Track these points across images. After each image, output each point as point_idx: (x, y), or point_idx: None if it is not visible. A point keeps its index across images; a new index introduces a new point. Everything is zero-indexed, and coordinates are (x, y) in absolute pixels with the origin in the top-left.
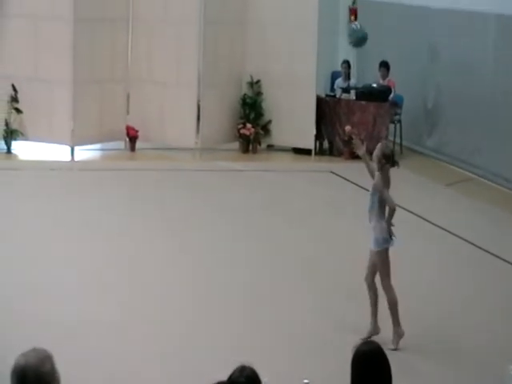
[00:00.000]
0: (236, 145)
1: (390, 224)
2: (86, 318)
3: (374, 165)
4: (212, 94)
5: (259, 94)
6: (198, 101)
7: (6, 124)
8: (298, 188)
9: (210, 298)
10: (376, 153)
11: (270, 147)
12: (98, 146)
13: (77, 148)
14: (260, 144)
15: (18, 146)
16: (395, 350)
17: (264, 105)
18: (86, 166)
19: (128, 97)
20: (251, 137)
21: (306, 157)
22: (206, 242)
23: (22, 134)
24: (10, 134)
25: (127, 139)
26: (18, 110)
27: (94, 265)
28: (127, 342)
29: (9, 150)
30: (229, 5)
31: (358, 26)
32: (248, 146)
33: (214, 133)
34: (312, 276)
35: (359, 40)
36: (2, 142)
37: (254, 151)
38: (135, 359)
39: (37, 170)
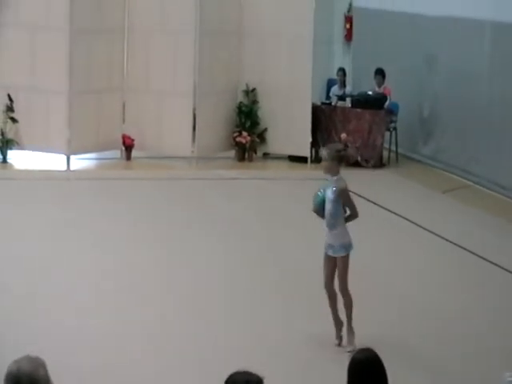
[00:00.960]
0: (232, 153)
1: None
2: (86, 325)
3: (330, 168)
4: (208, 103)
5: (255, 102)
6: (194, 109)
7: (2, 133)
8: (295, 196)
9: (209, 305)
10: (331, 154)
11: (266, 155)
12: (94, 155)
13: (73, 157)
14: (256, 152)
15: (13, 156)
16: (352, 351)
17: (260, 113)
18: (82, 175)
19: (124, 106)
20: (247, 145)
21: (301, 165)
22: (201, 251)
23: (17, 143)
24: (6, 144)
25: (123, 148)
26: (14, 120)
27: (90, 273)
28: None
29: (4, 160)
30: (225, 14)
31: (321, 192)
32: (244, 154)
33: (210, 141)
34: (307, 284)
35: (317, 208)
36: None
37: (250, 159)
38: (140, 363)
39: (32, 180)
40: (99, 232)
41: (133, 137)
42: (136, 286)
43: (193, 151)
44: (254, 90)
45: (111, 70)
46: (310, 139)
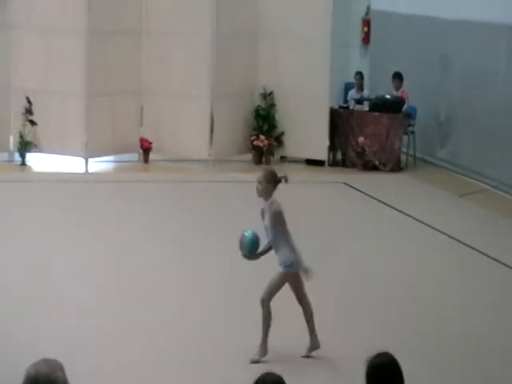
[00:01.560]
0: (249, 156)
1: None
2: (103, 328)
3: (264, 191)
4: (225, 106)
5: (272, 105)
6: (211, 112)
7: (21, 136)
8: (311, 199)
9: (220, 306)
10: (267, 177)
11: (283, 159)
12: (111, 157)
13: (90, 160)
14: (273, 155)
15: (32, 158)
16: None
17: (277, 116)
18: (99, 177)
19: (141, 109)
20: (264, 148)
21: (319, 168)
22: (215, 252)
23: (36, 145)
24: (25, 146)
25: (141, 151)
26: (33, 122)
27: (105, 276)
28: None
29: (23, 162)
30: (241, 17)
31: (249, 235)
32: (261, 157)
33: (227, 144)
34: (316, 287)
35: (251, 247)
36: (17, 154)
37: (267, 163)
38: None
39: (50, 182)
40: (115, 234)
41: (150, 140)
42: (150, 286)
43: (210, 154)
44: (271, 93)
45: (128, 73)
46: (328, 143)
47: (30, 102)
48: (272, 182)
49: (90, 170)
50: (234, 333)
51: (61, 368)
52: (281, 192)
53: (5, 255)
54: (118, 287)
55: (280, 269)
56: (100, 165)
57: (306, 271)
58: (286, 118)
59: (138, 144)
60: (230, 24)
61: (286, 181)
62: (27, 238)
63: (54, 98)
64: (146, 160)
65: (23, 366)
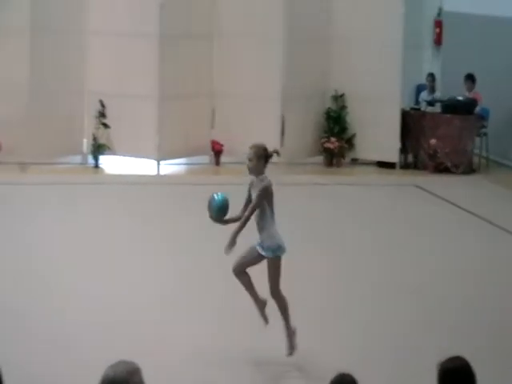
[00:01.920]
0: (320, 159)
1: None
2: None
3: (255, 167)
4: (296, 108)
5: (343, 107)
6: (282, 115)
7: (94, 139)
8: (383, 202)
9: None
10: (257, 153)
11: (355, 161)
12: (183, 160)
13: (162, 162)
14: (344, 158)
15: (105, 161)
16: (292, 352)
17: (348, 118)
18: (171, 180)
19: (213, 111)
20: (335, 150)
21: (390, 170)
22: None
23: (109, 148)
24: (98, 149)
25: (212, 153)
26: (106, 125)
27: (173, 280)
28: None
29: (96, 165)
30: (313, 19)
31: (217, 198)
32: (332, 159)
33: (298, 146)
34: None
35: (218, 209)
36: (90, 157)
37: (338, 165)
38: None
39: (123, 184)
40: (187, 236)
41: (222, 142)
42: (224, 287)
43: (280, 156)
44: (342, 95)
45: (200, 76)
46: (399, 145)
47: (103, 105)
48: (263, 157)
49: (161, 173)
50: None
51: (138, 371)
52: (351, 195)
53: (79, 256)
54: (190, 288)
55: (264, 253)
56: (172, 167)
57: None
58: (357, 120)
59: (210, 146)
60: (301, 26)
61: (278, 154)
62: (100, 239)
63: (126, 101)
64: (217, 162)
65: (97, 366)
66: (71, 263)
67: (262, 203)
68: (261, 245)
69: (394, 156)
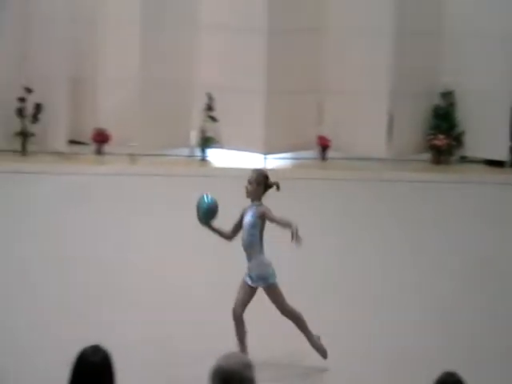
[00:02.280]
0: (427, 156)
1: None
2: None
3: (253, 192)
4: (404, 105)
5: (452, 104)
6: (390, 111)
7: (202, 132)
8: (491, 200)
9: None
10: (258, 179)
11: (463, 159)
12: (289, 154)
13: (269, 156)
14: (452, 155)
15: (212, 154)
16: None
17: (457, 115)
18: (277, 174)
19: (320, 107)
20: (443, 148)
21: (499, 169)
22: (375, 254)
23: (216, 141)
24: (205, 142)
25: (319, 149)
26: (214, 119)
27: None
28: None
29: (203, 157)
30: (423, 15)
31: (206, 200)
32: (439, 157)
33: (405, 143)
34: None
35: (205, 212)
36: (198, 150)
37: (446, 162)
38: None
39: (230, 178)
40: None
41: (329, 137)
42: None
43: (388, 153)
44: (451, 92)
45: (308, 71)
46: (509, 143)
47: (211, 99)
48: (262, 184)
49: (268, 167)
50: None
51: (251, 365)
52: (457, 193)
53: (189, 247)
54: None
55: (255, 284)
56: (278, 161)
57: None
58: (466, 118)
59: (316, 142)
60: (411, 22)
61: (278, 188)
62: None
63: (234, 95)
64: (323, 158)
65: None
66: (182, 254)
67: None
68: (249, 275)
69: (503, 154)
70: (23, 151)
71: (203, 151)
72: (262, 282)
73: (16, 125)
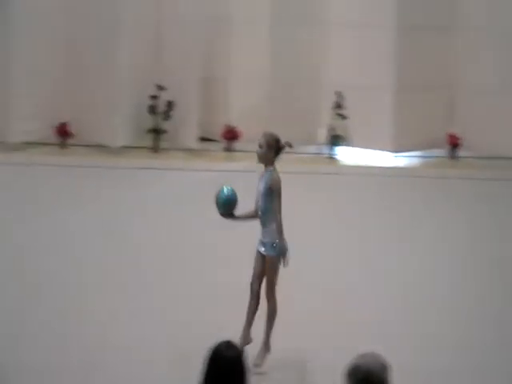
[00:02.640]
0: None
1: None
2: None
3: (264, 156)
4: None
5: None
6: None
7: (331, 129)
8: None
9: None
10: (269, 141)
11: None
12: (419, 153)
13: (398, 154)
14: None
15: (340, 151)
16: (258, 366)
17: None
18: (407, 172)
19: (451, 104)
20: None
21: None
22: None
23: (345, 139)
24: (334, 139)
25: (449, 147)
26: (343, 116)
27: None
28: None
29: (331, 155)
30: None
31: (225, 191)
32: None
33: None
34: None
35: (223, 204)
36: (326, 147)
37: None
38: None
39: (359, 176)
40: (424, 228)
41: (459, 136)
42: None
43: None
44: None
45: (437, 68)
46: None
47: (340, 97)
48: (273, 147)
49: (397, 165)
50: None
51: (387, 366)
52: None
53: (316, 243)
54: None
55: (263, 249)
56: (407, 160)
57: (285, 258)
58: None
59: (447, 140)
60: None
61: (290, 146)
62: (335, 228)
63: (363, 93)
64: (454, 156)
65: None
66: (312, 251)
67: (270, 198)
68: (261, 243)
69: None
70: (155, 148)
71: (332, 149)
72: (269, 249)
73: (148, 122)
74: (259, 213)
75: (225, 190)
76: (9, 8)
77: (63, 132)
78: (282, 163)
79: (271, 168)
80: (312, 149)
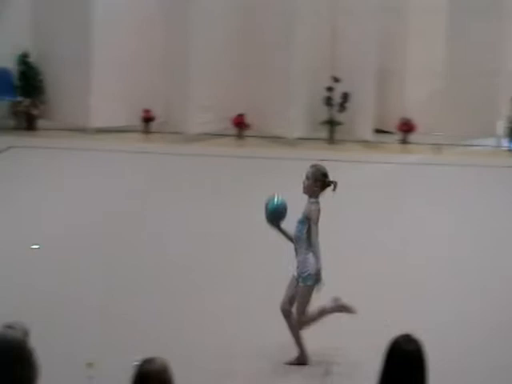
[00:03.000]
0: None
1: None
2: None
3: (309, 188)
4: None
5: None
6: None
7: (510, 122)
8: None
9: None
10: (315, 175)
11: None
12: None
13: None
14: None
15: None
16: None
17: None
18: None
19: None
20: None
21: None
22: None
23: None
24: None
25: None
26: None
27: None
28: None
29: (511, 148)
30: None
31: (276, 201)
32: None
33: None
34: None
35: (272, 213)
36: (505, 140)
37: None
38: None
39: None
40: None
41: None
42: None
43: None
44: None
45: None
46: None
47: None
48: (319, 181)
49: None
50: None
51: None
52: None
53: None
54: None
55: (296, 277)
56: None
57: (318, 287)
58: None
59: None
60: None
61: (334, 188)
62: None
63: None
64: None
65: None
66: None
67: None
68: (296, 270)
69: None
70: (330, 139)
71: (511, 142)
72: (301, 280)
73: (324, 113)
74: (294, 239)
75: (275, 200)
76: (189, 9)
77: (240, 123)
78: (459, 155)
79: (313, 200)
80: (490, 141)
